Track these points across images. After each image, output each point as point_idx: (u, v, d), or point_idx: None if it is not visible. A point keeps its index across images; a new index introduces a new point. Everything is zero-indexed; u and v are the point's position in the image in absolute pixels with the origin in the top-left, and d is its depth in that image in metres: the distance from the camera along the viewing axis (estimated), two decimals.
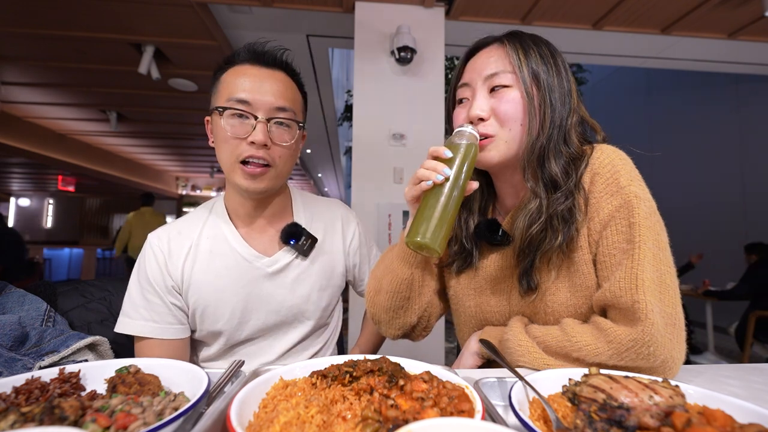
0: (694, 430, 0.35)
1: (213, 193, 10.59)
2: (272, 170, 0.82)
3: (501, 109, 0.68)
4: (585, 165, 0.67)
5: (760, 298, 3.35)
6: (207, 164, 8.81)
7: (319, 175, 10.32)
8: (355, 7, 2.56)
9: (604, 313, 0.64)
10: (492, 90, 0.70)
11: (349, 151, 8.19)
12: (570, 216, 0.66)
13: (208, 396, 0.49)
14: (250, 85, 0.79)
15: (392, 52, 2.51)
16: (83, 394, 0.48)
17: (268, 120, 0.79)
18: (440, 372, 0.48)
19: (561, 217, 0.65)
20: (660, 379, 0.44)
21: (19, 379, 0.47)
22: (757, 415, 0.40)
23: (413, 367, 0.51)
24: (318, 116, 5.05)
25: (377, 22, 2.57)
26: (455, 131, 0.68)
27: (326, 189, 12.64)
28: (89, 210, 11.87)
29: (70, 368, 0.51)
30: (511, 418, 0.43)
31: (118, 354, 0.77)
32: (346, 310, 1.25)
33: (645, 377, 0.45)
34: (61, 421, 0.37)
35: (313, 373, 0.47)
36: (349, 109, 7.00)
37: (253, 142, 0.78)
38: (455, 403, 0.39)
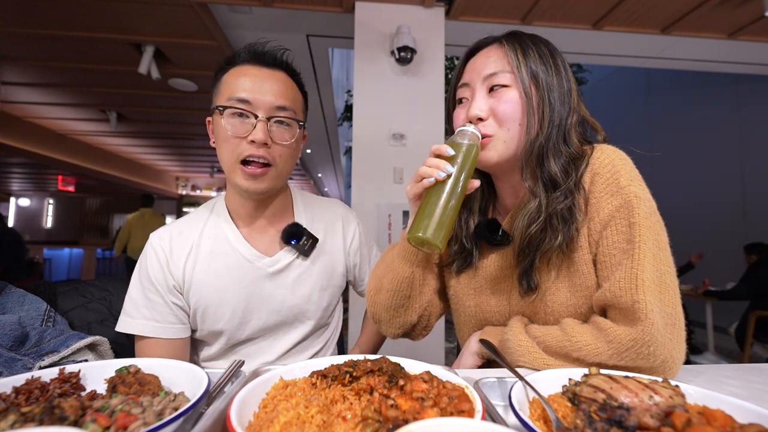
0: (694, 430, 0.35)
1: (213, 193, 10.59)
2: (272, 170, 0.82)
3: (499, 109, 0.68)
4: (585, 165, 0.67)
5: (760, 298, 3.35)
6: (207, 164, 8.82)
7: (319, 175, 10.32)
8: (355, 7, 2.56)
9: (604, 313, 0.64)
10: (491, 90, 0.70)
11: (349, 151, 8.18)
12: (570, 216, 0.65)
13: (208, 396, 0.49)
14: (251, 85, 0.79)
15: (392, 52, 2.51)
16: (83, 394, 0.48)
17: (269, 119, 0.79)
18: (440, 372, 0.48)
19: (560, 217, 0.65)
20: (660, 379, 0.44)
21: (19, 379, 0.47)
22: (757, 415, 0.40)
23: (413, 367, 0.51)
24: (318, 116, 5.06)
25: (377, 22, 2.57)
26: (457, 130, 0.68)
27: (326, 189, 12.64)
28: (89, 210, 11.87)
29: (70, 368, 0.51)
30: (511, 418, 0.43)
31: (118, 354, 0.77)
32: (346, 310, 1.25)
33: (645, 377, 0.45)
34: (61, 421, 0.37)
35: (313, 373, 0.47)
36: (349, 109, 6.99)
37: (253, 141, 0.78)
38: (455, 403, 0.39)
